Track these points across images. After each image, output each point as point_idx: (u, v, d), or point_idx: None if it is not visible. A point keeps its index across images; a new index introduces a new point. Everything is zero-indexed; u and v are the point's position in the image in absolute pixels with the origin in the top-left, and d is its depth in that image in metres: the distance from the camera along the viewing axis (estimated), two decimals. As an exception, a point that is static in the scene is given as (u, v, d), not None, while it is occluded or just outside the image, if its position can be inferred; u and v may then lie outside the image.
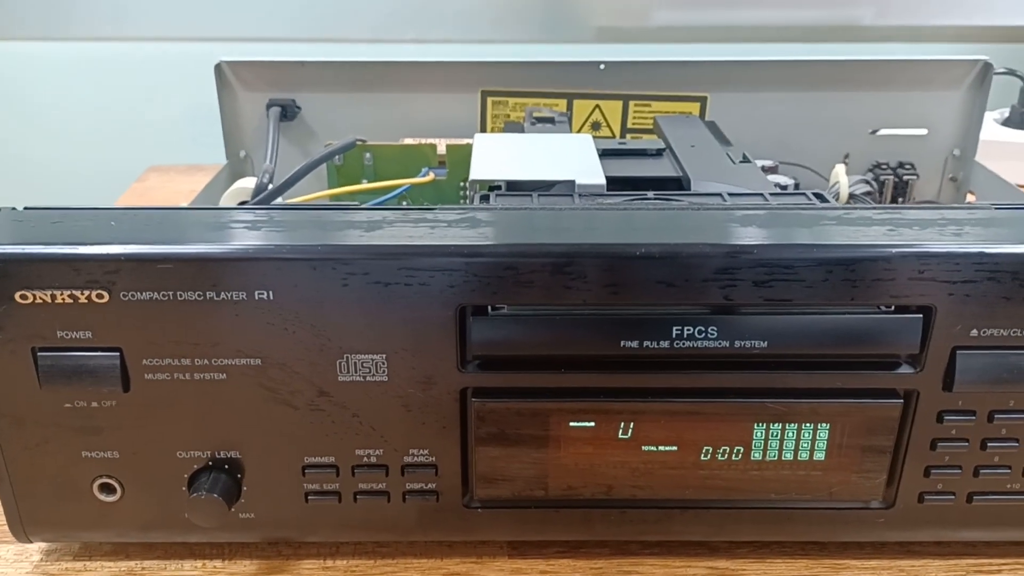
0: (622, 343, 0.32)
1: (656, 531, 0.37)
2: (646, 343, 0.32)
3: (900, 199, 0.63)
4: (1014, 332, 0.32)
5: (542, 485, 0.35)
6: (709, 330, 0.32)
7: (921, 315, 0.32)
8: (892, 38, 1.09)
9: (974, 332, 0.32)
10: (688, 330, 0.32)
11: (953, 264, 0.31)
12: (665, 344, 0.32)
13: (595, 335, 0.32)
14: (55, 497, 0.35)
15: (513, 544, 0.38)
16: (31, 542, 0.36)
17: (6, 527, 0.35)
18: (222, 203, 0.55)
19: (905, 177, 0.63)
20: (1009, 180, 0.77)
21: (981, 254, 0.31)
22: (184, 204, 0.66)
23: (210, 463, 0.34)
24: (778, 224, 0.33)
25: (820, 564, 0.37)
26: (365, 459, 0.34)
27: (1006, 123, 0.78)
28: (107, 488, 0.34)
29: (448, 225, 0.33)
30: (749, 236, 0.32)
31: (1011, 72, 0.77)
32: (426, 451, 0.34)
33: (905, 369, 0.33)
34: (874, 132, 0.64)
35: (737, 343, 0.32)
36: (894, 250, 0.31)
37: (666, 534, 0.37)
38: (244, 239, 0.31)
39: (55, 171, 0.96)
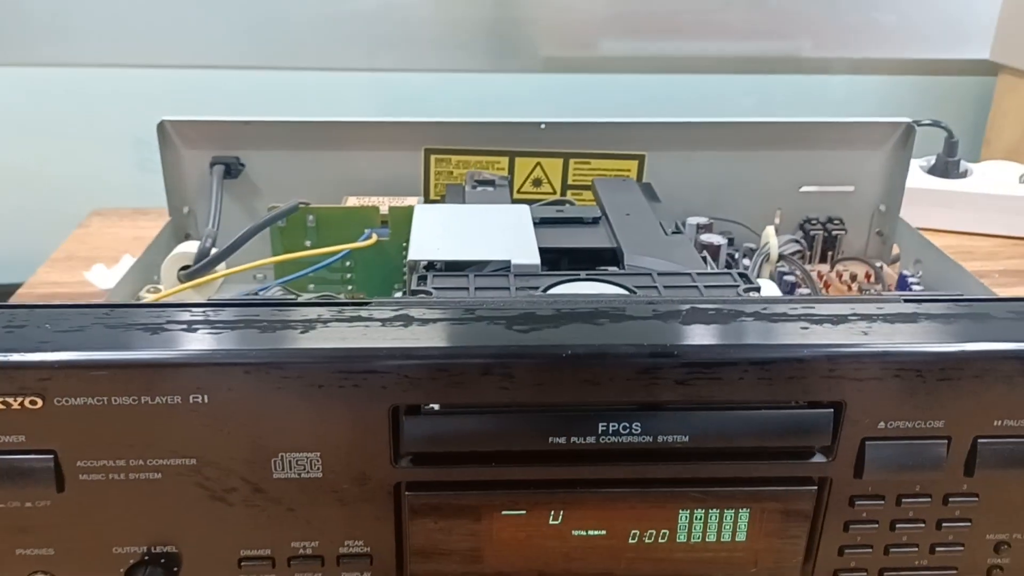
0: (550, 439, 0.33)
1: (588, 609, 0.38)
2: (573, 439, 0.33)
3: (830, 253, 0.66)
4: (918, 424, 0.34)
5: (477, 570, 0.36)
6: (633, 425, 0.33)
7: (832, 409, 0.34)
8: (829, 69, 1.13)
9: (881, 424, 0.34)
10: (613, 426, 0.33)
11: (861, 363, 0.33)
12: (591, 439, 0.33)
13: (524, 432, 0.33)
14: (-11, 592, 0.35)
15: (449, 623, 0.39)
16: (-36, 637, 0.36)
17: (-61, 621, 0.35)
18: (164, 268, 0.55)
19: (834, 232, 0.65)
20: (933, 225, 0.80)
21: (886, 353, 0.33)
22: (127, 254, 0.66)
23: (146, 557, 0.35)
24: (698, 321, 0.35)
25: (744, 638, 0.38)
26: (301, 551, 0.35)
27: (931, 171, 0.81)
28: (42, 584, 0.35)
29: (382, 324, 0.34)
30: (670, 336, 0.33)
31: (936, 123, 0.80)
32: (360, 542, 0.35)
33: (818, 458, 0.35)
34: (816, 188, 0.66)
35: (660, 437, 0.34)
36: (806, 351, 0.33)
37: (597, 611, 0.38)
38: (179, 343, 0.32)
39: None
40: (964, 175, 0.81)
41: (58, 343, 0.32)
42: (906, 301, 0.37)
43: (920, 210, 0.78)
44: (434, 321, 0.34)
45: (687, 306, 0.35)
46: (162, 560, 0.35)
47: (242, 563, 0.35)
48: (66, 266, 0.72)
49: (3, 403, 0.31)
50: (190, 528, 0.34)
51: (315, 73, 1.04)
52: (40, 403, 0.31)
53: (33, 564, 0.34)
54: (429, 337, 0.33)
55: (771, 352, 0.33)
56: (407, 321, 0.34)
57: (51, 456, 0.32)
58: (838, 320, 0.35)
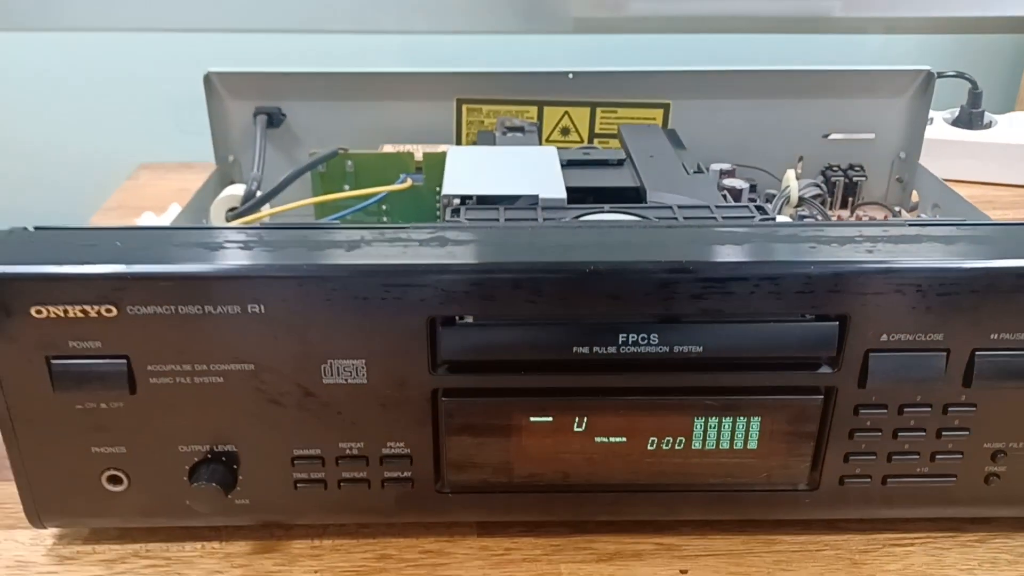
0: (574, 349, 0.36)
1: (609, 512, 0.41)
2: (595, 349, 0.36)
3: (850, 199, 0.67)
4: (919, 337, 0.36)
5: (506, 472, 0.39)
6: (651, 337, 0.36)
7: (837, 323, 0.36)
8: (862, 29, 1.13)
9: (884, 337, 0.36)
10: (632, 337, 0.36)
11: (864, 279, 0.35)
12: (612, 349, 0.36)
13: (550, 342, 0.36)
14: (67, 488, 0.39)
15: (482, 524, 0.42)
16: (45, 528, 0.40)
17: (23, 514, 0.39)
18: (212, 209, 0.58)
19: (855, 178, 0.67)
20: (957, 176, 0.81)
21: (888, 270, 0.35)
22: (175, 203, 0.69)
23: (209, 456, 0.38)
24: (713, 242, 0.37)
25: (755, 539, 0.41)
26: (347, 451, 0.38)
27: (955, 123, 0.82)
28: (114, 479, 0.38)
29: (420, 244, 0.37)
30: (687, 254, 0.36)
31: (960, 75, 0.81)
32: (402, 444, 0.38)
33: (825, 369, 0.37)
34: (826, 136, 0.68)
35: (676, 348, 0.36)
36: (813, 267, 0.35)
37: (618, 514, 0.41)
38: (237, 259, 0.35)
39: (50, 163, 0.99)
40: (988, 126, 0.82)
41: (130, 257, 0.35)
42: (911, 225, 0.39)
43: (944, 161, 0.79)
44: (467, 242, 0.37)
45: (704, 229, 0.38)
46: (223, 458, 0.38)
47: (295, 461, 0.38)
48: (117, 214, 0.76)
49: (81, 311, 0.35)
50: (248, 429, 0.38)
51: (349, 37, 1.06)
52: (115, 311, 0.35)
53: (106, 461, 0.38)
54: (463, 255, 0.36)
55: (780, 268, 0.35)
56: (443, 242, 0.37)
57: (124, 361, 0.36)
58: (844, 241, 0.37)
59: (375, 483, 0.39)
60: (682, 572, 0.39)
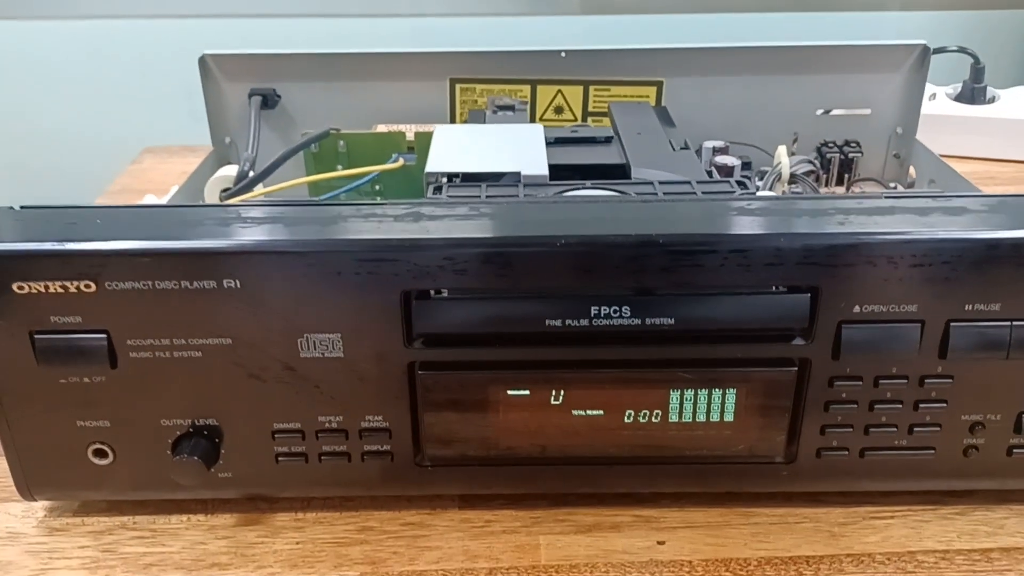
0: (547, 322, 0.37)
1: (588, 484, 0.42)
2: (568, 322, 0.37)
3: (846, 175, 0.67)
4: (892, 308, 0.36)
5: (485, 445, 0.40)
6: (623, 310, 0.36)
7: (809, 295, 0.36)
8: (880, 6, 1.12)
9: (856, 308, 0.36)
10: (604, 310, 0.36)
11: (834, 250, 0.35)
12: (584, 322, 0.37)
13: (522, 315, 0.37)
14: (55, 461, 0.39)
15: (464, 497, 0.42)
16: (35, 500, 0.41)
17: (14, 487, 0.40)
18: (206, 190, 0.59)
19: (850, 155, 0.67)
20: (959, 152, 0.81)
21: (858, 243, 0.35)
22: (176, 186, 0.70)
23: (191, 429, 0.39)
24: (686, 216, 0.37)
25: (733, 512, 0.41)
26: (327, 424, 0.39)
27: (958, 98, 0.82)
28: (100, 453, 0.39)
29: (394, 220, 0.37)
30: (658, 227, 0.36)
31: (962, 49, 0.80)
32: (380, 417, 0.39)
33: (798, 341, 0.37)
34: (827, 112, 0.67)
35: (648, 320, 0.37)
36: (782, 239, 0.35)
37: (598, 487, 0.42)
38: (212, 235, 0.36)
39: (56, 147, 1.00)
40: (991, 101, 0.82)
41: (108, 234, 0.36)
42: (887, 197, 0.39)
43: (946, 137, 0.79)
44: (441, 217, 0.37)
45: (678, 203, 0.38)
46: (205, 432, 0.39)
47: (276, 435, 0.39)
48: (120, 197, 0.77)
49: (61, 287, 0.35)
50: (229, 403, 0.38)
51: (352, 20, 1.06)
52: (93, 287, 0.35)
53: (92, 435, 0.39)
54: (436, 230, 0.36)
55: (749, 240, 0.35)
56: (417, 217, 0.37)
57: (104, 335, 0.36)
58: (817, 213, 0.37)
59: (355, 456, 0.40)
60: (659, 543, 0.40)
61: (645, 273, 0.36)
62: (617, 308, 0.36)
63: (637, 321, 0.37)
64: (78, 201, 0.40)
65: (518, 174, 0.46)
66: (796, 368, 0.38)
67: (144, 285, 0.35)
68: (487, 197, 0.44)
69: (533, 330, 0.37)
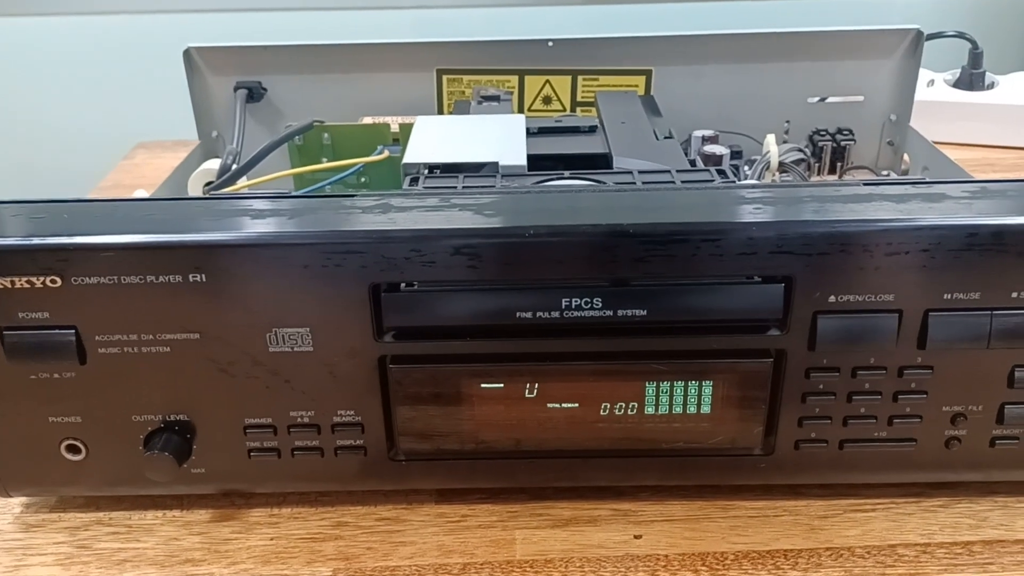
0: (517, 314, 0.36)
1: (565, 478, 0.41)
2: (539, 314, 0.36)
3: (839, 163, 0.66)
4: (868, 298, 0.36)
5: (459, 440, 0.39)
6: (594, 301, 0.36)
7: (783, 284, 0.35)
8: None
9: (832, 298, 0.36)
10: (576, 301, 0.36)
11: (807, 239, 0.34)
12: (556, 314, 0.36)
13: (492, 308, 0.36)
14: (29, 457, 0.39)
15: (440, 492, 0.42)
16: (11, 496, 0.41)
17: (-10, 484, 0.40)
18: (190, 183, 0.59)
19: (843, 143, 0.66)
20: (958, 139, 0.79)
21: (832, 232, 0.34)
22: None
23: (162, 425, 0.39)
24: (660, 205, 0.37)
25: (712, 505, 0.41)
26: (299, 419, 0.39)
27: (956, 84, 0.80)
28: (73, 448, 0.39)
29: (362, 212, 0.37)
30: (628, 217, 0.35)
31: (960, 34, 0.79)
32: (352, 412, 0.38)
33: (773, 332, 0.37)
34: (822, 99, 0.66)
35: (619, 312, 0.36)
36: (755, 228, 0.34)
37: (575, 480, 0.41)
38: (176, 229, 0.35)
39: (49, 143, 1.00)
40: (990, 87, 0.80)
41: (72, 229, 0.35)
42: (865, 185, 0.38)
43: (944, 124, 0.78)
44: (410, 209, 0.37)
45: (654, 191, 0.38)
46: (176, 428, 0.39)
47: (247, 430, 0.39)
48: (112, 193, 0.77)
49: (27, 282, 0.35)
50: (200, 398, 0.38)
51: (339, 13, 1.06)
52: (59, 282, 0.35)
53: (63, 431, 0.39)
54: (403, 222, 0.36)
55: (721, 229, 0.35)
56: (386, 208, 0.37)
57: (72, 331, 0.36)
58: (793, 202, 0.36)
59: (328, 451, 0.39)
60: (636, 537, 0.39)
61: (616, 264, 0.35)
62: (588, 300, 0.36)
63: (609, 313, 0.36)
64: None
65: (495, 164, 0.46)
66: (772, 359, 0.37)
67: (109, 280, 0.35)
68: (464, 188, 0.43)
69: (504, 322, 0.36)
